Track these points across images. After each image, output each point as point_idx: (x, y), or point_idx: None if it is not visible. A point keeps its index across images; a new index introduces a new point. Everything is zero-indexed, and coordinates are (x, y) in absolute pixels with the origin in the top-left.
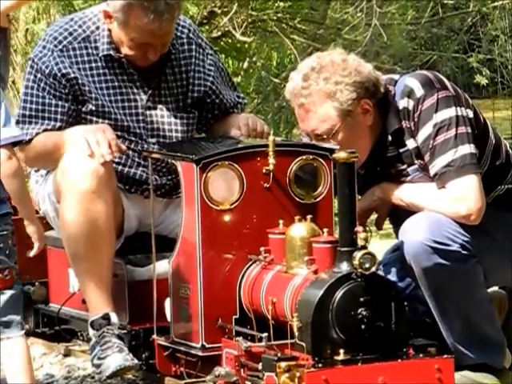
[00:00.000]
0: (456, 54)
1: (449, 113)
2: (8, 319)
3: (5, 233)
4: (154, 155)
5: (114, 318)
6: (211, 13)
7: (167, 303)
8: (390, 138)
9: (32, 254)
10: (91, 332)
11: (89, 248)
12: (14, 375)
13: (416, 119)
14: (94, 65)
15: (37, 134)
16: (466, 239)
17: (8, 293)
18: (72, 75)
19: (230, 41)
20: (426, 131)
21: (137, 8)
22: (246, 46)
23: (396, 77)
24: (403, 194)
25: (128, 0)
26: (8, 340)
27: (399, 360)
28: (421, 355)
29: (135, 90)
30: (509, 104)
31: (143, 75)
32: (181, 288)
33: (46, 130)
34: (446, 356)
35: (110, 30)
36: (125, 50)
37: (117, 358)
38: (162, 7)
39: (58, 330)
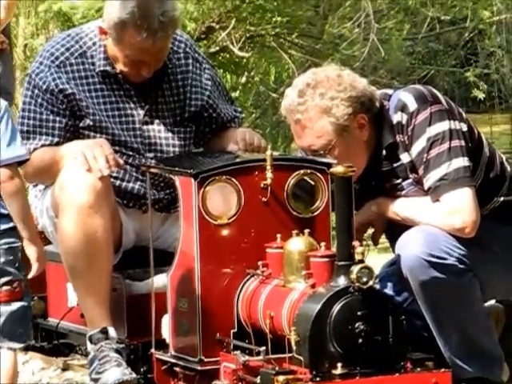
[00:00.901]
0: (453, 69)
1: (442, 126)
2: (11, 330)
3: (15, 245)
4: (152, 170)
5: (112, 332)
6: (209, 28)
7: (164, 321)
8: (384, 152)
9: (31, 275)
10: (89, 346)
11: (87, 262)
12: None
13: (410, 133)
14: (90, 80)
15: (35, 149)
16: (462, 253)
17: (16, 304)
18: (69, 91)
19: (228, 56)
20: (419, 145)
21: (130, 26)
22: (244, 60)
23: (390, 91)
24: (398, 208)
25: (122, 18)
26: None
27: (397, 374)
28: (418, 369)
29: (132, 105)
30: (506, 118)
31: (140, 90)
32: (179, 302)
33: (43, 146)
34: (443, 370)
35: (105, 46)
36: (119, 66)
37: (115, 372)
38: (155, 25)
39: (56, 344)
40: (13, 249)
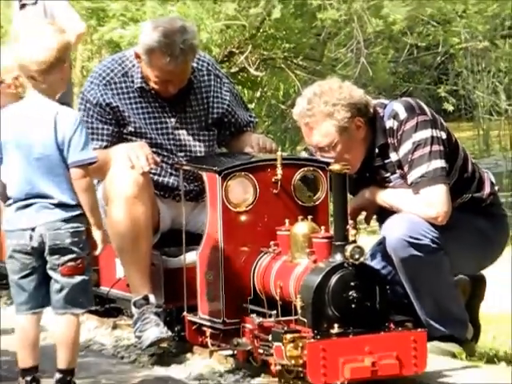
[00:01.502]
0: (428, 86)
1: (425, 134)
2: (74, 298)
3: (79, 229)
4: (185, 167)
5: (152, 298)
6: (230, 52)
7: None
8: (377, 150)
9: (97, 253)
10: (134, 310)
11: (132, 242)
12: (58, 347)
13: (399, 137)
14: (131, 95)
15: None
16: (435, 235)
17: (78, 278)
18: (114, 104)
19: (245, 75)
20: (406, 147)
21: (157, 52)
22: (259, 79)
23: (386, 101)
24: (386, 197)
25: (150, 45)
26: (65, 315)
27: (382, 332)
28: (399, 329)
29: (165, 114)
30: (470, 126)
31: (171, 102)
32: (206, 274)
33: (95, 149)
34: (420, 329)
35: (141, 67)
36: (151, 84)
37: (154, 330)
38: (176, 52)
39: (107, 308)
40: (78, 232)
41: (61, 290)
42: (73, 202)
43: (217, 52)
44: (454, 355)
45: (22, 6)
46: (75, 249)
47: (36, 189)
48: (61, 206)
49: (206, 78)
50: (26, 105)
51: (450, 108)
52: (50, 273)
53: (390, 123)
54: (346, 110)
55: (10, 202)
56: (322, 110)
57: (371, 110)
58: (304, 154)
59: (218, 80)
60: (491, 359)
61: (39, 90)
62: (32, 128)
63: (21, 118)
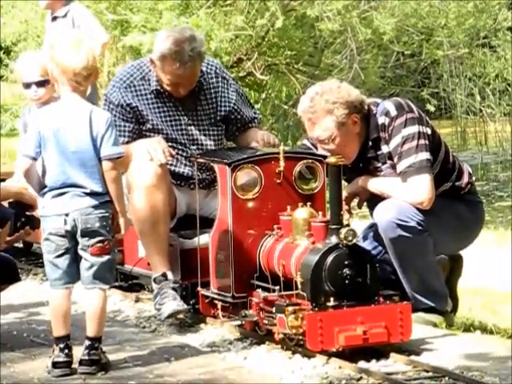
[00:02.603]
0: (413, 89)
1: (413, 129)
2: (102, 275)
3: (106, 214)
4: (199, 160)
5: (170, 275)
6: (239, 59)
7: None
8: (370, 143)
9: (120, 236)
10: (154, 285)
11: (151, 226)
12: (88, 317)
13: (390, 132)
14: (148, 96)
15: None
16: (420, 218)
17: (105, 257)
18: (134, 104)
19: (252, 79)
20: (396, 141)
21: (168, 58)
22: (264, 82)
23: (379, 100)
24: (377, 184)
25: (162, 52)
26: (93, 290)
27: (372, 305)
28: (388, 302)
29: (179, 113)
30: (450, 124)
31: (183, 101)
32: (217, 254)
33: None
34: (405, 302)
35: (156, 71)
36: (165, 86)
37: (172, 304)
38: (185, 58)
39: (130, 283)
40: (105, 217)
41: (90, 267)
42: (101, 191)
43: (227, 59)
44: (435, 325)
45: (54, 19)
46: (103, 231)
47: (71, 179)
48: (91, 194)
49: (214, 80)
50: (63, 105)
51: (432, 108)
52: (81, 253)
53: (382, 119)
54: (344, 108)
55: (46, 190)
56: (323, 107)
57: (366, 108)
58: (305, 142)
59: (225, 81)
60: (468, 328)
61: (77, 92)
62: (70, 125)
63: (60, 116)
